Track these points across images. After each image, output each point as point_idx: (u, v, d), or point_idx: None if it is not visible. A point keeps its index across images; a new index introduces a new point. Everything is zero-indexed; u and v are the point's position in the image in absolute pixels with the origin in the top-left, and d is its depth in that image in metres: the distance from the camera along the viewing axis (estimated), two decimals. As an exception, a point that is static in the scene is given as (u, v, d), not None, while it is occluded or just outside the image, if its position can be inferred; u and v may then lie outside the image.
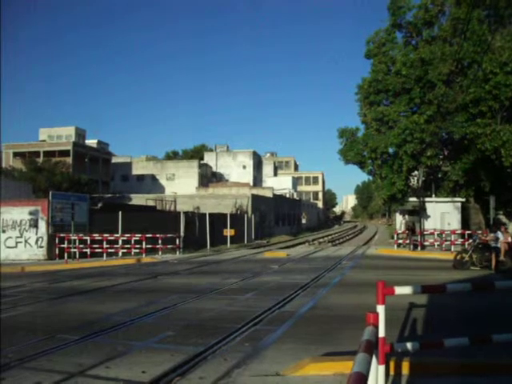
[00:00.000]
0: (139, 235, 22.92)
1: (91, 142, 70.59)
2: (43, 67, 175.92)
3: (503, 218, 28.66)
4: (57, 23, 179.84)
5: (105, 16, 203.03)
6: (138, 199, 45.22)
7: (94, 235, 22.71)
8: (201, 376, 5.58)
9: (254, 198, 47.01)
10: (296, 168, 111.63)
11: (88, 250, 22.39)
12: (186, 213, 29.89)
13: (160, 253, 23.52)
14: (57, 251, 22.29)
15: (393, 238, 30.45)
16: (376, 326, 3.87)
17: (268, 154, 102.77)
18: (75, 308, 9.93)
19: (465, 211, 28.96)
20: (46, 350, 6.70)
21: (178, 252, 24.56)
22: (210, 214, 32.09)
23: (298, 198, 74.31)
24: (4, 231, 22.78)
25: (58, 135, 66.55)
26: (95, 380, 5.53)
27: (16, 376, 5.65)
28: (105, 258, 22.06)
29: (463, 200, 28.26)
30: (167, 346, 6.98)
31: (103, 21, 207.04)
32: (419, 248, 25.07)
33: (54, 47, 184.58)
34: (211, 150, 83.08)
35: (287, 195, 67.30)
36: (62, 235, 22.11)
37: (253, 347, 6.69)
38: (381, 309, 4.30)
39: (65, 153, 55.45)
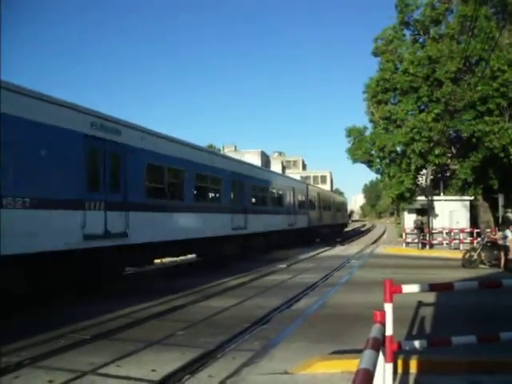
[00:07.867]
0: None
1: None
2: (49, 70, 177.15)
3: (512, 216, 28.46)
4: (60, 23, 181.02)
5: (108, 15, 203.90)
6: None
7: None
8: (210, 374, 5.65)
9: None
10: (304, 167, 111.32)
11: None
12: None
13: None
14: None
15: (401, 236, 30.43)
16: (383, 324, 3.89)
17: (276, 154, 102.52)
18: (85, 307, 10.00)
19: (473, 209, 28.81)
20: (58, 348, 6.79)
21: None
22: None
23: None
24: None
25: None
26: (107, 378, 5.63)
27: (29, 374, 5.76)
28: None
29: (472, 198, 28.11)
30: (177, 344, 7.05)
31: (105, 19, 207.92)
32: (428, 247, 25.02)
33: (58, 50, 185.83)
34: (219, 150, 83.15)
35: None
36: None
37: (262, 346, 6.74)
38: (388, 307, 4.32)
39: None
